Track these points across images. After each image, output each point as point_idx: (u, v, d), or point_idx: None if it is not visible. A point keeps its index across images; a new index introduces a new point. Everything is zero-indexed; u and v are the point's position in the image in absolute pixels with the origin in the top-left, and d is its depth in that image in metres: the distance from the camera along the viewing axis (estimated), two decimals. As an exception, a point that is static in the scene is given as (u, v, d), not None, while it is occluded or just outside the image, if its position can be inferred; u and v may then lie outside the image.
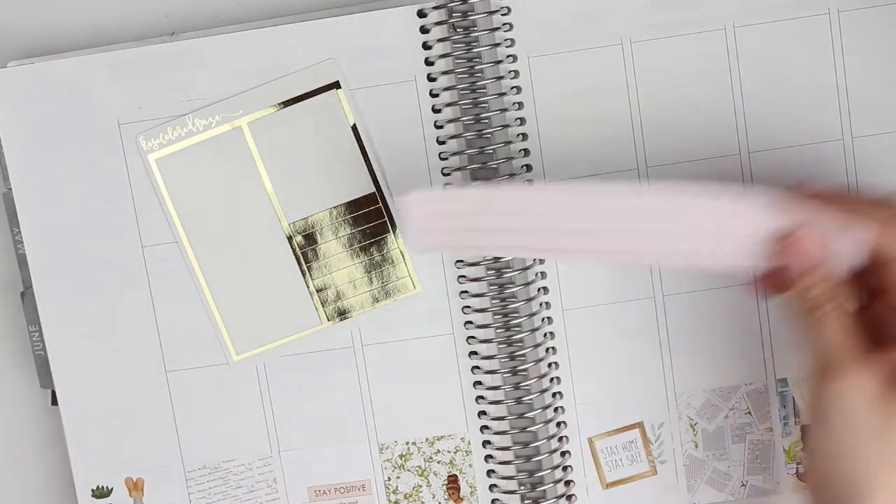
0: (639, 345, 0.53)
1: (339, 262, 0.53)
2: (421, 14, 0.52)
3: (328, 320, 0.54)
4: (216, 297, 0.53)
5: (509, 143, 0.52)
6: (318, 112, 0.53)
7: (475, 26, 0.51)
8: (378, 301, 0.53)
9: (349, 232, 0.53)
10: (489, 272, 0.52)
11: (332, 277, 0.53)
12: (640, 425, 0.54)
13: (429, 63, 0.52)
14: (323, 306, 0.53)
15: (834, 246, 0.43)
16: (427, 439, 0.54)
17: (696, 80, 0.52)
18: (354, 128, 0.53)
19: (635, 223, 0.44)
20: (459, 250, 0.52)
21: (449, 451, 0.54)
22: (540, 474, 0.53)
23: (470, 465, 0.54)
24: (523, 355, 0.52)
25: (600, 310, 0.53)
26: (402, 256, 0.53)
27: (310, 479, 0.54)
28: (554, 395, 0.53)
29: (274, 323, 0.54)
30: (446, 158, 0.53)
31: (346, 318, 0.53)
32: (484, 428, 0.54)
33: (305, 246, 0.53)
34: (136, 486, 0.54)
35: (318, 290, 0.53)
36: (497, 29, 0.52)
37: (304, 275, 0.53)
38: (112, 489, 0.54)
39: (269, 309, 0.53)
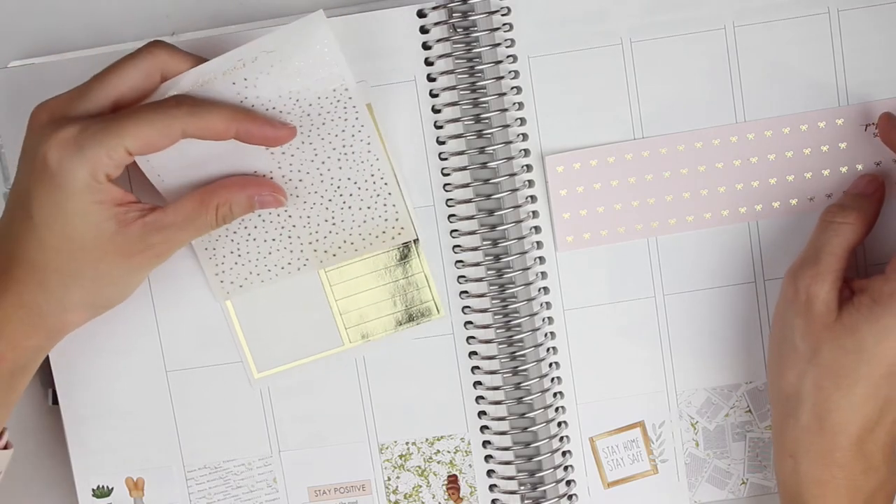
0: (639, 344, 0.53)
1: (364, 284, 0.53)
2: (421, 14, 0.52)
3: (350, 342, 0.53)
4: (239, 316, 0.53)
5: (509, 143, 0.52)
6: (319, 112, 0.53)
7: (475, 26, 0.51)
8: (401, 325, 0.53)
9: (374, 254, 0.53)
10: (489, 272, 0.52)
11: (356, 299, 0.53)
12: (640, 424, 0.54)
13: (429, 63, 0.52)
14: (346, 328, 0.53)
15: None
16: (427, 439, 0.54)
17: (696, 80, 0.52)
18: (355, 128, 0.53)
19: None
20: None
21: (449, 451, 0.54)
22: (541, 474, 0.52)
23: (470, 465, 0.54)
24: (524, 355, 0.52)
25: (600, 310, 0.53)
26: (427, 280, 0.53)
27: (310, 479, 0.54)
28: (555, 394, 0.53)
29: (296, 343, 0.53)
30: (446, 158, 0.53)
31: (368, 341, 0.53)
32: (484, 428, 0.54)
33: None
34: (136, 486, 0.54)
35: (341, 312, 0.53)
36: (497, 29, 0.52)
37: (327, 296, 0.53)
38: (112, 489, 0.54)
39: (293, 329, 0.53)
